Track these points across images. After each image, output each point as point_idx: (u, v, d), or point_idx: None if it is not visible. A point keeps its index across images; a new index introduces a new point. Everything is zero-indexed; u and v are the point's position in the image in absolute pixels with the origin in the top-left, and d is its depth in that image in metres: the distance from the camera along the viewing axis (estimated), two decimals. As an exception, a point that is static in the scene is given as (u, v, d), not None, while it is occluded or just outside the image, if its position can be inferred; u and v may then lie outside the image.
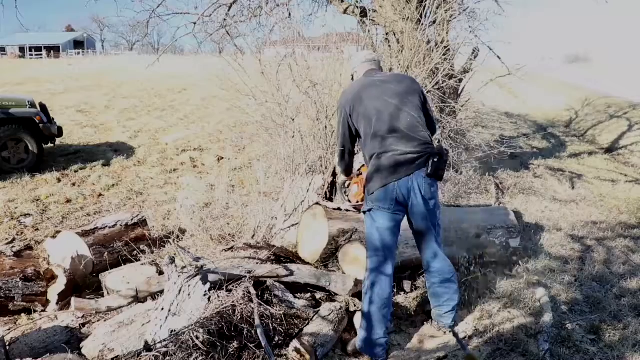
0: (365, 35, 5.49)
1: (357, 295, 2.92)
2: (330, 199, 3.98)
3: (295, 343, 2.33)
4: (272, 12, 5.64)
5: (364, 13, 6.00)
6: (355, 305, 2.84)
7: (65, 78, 16.38)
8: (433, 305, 2.70)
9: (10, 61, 30.87)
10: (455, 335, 2.66)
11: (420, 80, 4.54)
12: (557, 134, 11.14)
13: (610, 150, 9.46)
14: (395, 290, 3.13)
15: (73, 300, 2.54)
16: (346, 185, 3.07)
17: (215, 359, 2.09)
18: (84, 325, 2.80)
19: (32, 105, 6.69)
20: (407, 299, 3.09)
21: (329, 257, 3.13)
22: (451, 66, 5.17)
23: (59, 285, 3.15)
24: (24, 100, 6.70)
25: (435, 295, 2.65)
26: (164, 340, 2.14)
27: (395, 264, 3.18)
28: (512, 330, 2.67)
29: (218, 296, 2.38)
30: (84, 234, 3.55)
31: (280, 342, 2.37)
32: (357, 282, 2.87)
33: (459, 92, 5.82)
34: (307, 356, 2.29)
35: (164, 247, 3.86)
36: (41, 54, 40.94)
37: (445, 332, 2.71)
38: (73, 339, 2.53)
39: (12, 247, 3.35)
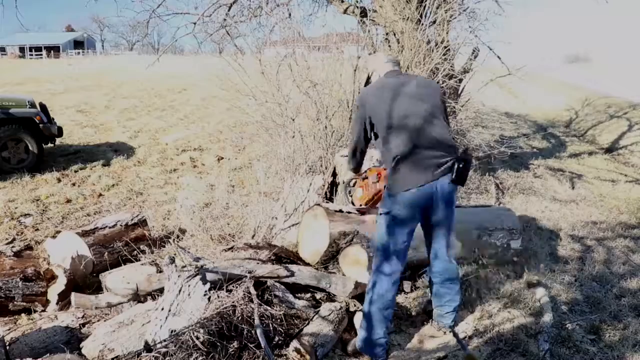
0: (365, 35, 5.49)
1: (357, 297, 2.92)
2: (330, 199, 3.98)
3: (295, 343, 2.33)
4: (272, 12, 5.64)
5: (364, 13, 6.00)
6: (355, 306, 2.84)
7: (65, 78, 16.39)
8: (434, 305, 2.70)
9: (10, 61, 30.88)
10: (455, 335, 2.66)
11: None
12: (557, 134, 11.14)
13: (610, 150, 9.46)
14: (395, 290, 3.13)
15: (73, 295, 2.54)
16: (351, 184, 2.97)
17: (215, 359, 2.09)
18: (84, 325, 2.80)
19: (32, 105, 6.68)
20: (407, 299, 3.09)
21: (330, 259, 3.13)
22: (451, 66, 5.17)
23: (59, 285, 3.15)
24: (24, 100, 6.70)
25: (438, 296, 2.64)
26: (164, 340, 2.14)
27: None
28: (512, 330, 2.67)
29: (218, 296, 2.38)
30: (84, 234, 3.55)
31: (280, 342, 2.37)
32: (358, 285, 2.87)
33: (459, 92, 5.82)
34: (307, 356, 2.29)
35: (164, 247, 3.86)
36: (41, 54, 40.95)
37: (445, 332, 2.71)
38: (73, 339, 2.53)
39: (12, 247, 3.35)
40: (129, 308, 2.74)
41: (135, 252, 3.60)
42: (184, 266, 2.45)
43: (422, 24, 4.81)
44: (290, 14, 5.35)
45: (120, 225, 3.81)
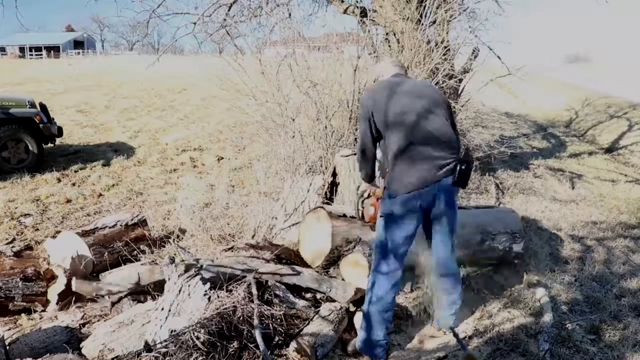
0: (365, 35, 5.49)
1: (357, 302, 2.91)
2: (330, 199, 3.98)
3: (295, 343, 2.33)
4: (272, 12, 5.64)
5: (364, 13, 6.00)
6: (355, 306, 2.84)
7: (65, 78, 16.38)
8: (435, 306, 2.70)
9: (10, 61, 30.87)
10: (455, 335, 2.66)
11: (420, 80, 4.53)
12: (557, 134, 11.14)
13: (610, 150, 9.46)
14: (395, 291, 3.13)
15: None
16: (365, 195, 2.88)
17: (215, 359, 2.09)
18: (84, 325, 2.80)
19: (32, 105, 6.68)
20: (407, 299, 3.09)
21: (331, 264, 3.13)
22: (451, 66, 5.17)
23: (59, 285, 3.15)
24: (24, 100, 6.69)
25: (439, 297, 2.64)
26: (164, 341, 2.14)
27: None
28: (512, 330, 2.67)
29: (218, 296, 2.38)
30: (84, 234, 3.55)
31: (280, 342, 2.37)
32: (358, 291, 2.86)
33: (459, 92, 5.82)
34: (307, 356, 2.29)
35: (164, 247, 3.86)
36: (41, 54, 40.95)
37: (445, 332, 2.71)
38: (73, 339, 2.53)
39: (12, 247, 3.35)
40: (129, 308, 2.74)
41: (135, 252, 3.60)
42: (184, 263, 2.44)
43: (422, 24, 4.81)
44: (290, 14, 5.35)
45: (120, 225, 3.81)
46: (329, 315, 2.59)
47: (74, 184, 6.06)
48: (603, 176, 7.08)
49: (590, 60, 37.83)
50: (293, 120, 4.58)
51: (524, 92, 17.00)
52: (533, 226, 4.56)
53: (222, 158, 7.35)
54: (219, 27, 6.02)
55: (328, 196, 3.99)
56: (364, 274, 2.92)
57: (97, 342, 2.37)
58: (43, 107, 6.89)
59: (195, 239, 3.87)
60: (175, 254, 3.21)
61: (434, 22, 4.99)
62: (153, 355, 2.06)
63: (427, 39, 4.85)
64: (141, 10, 6.43)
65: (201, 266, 2.45)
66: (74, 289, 2.51)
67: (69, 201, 5.42)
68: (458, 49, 5.44)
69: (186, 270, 2.37)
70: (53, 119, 7.03)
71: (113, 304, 2.85)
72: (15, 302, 3.01)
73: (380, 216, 2.44)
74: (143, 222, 3.97)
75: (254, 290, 2.46)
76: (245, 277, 2.59)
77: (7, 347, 2.38)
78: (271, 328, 2.38)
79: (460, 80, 5.68)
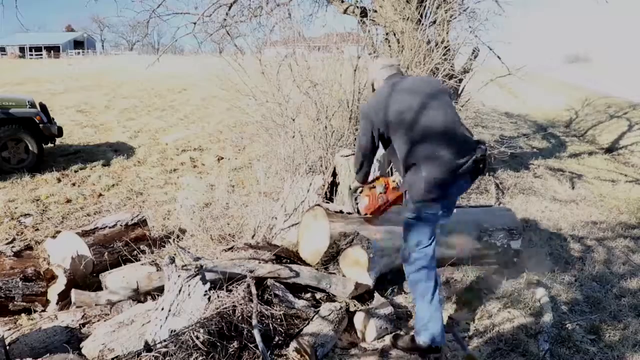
0: (365, 35, 5.49)
1: (357, 297, 2.92)
2: (330, 199, 3.98)
3: (295, 343, 2.33)
4: (272, 12, 5.64)
5: (364, 13, 6.00)
6: (355, 306, 2.84)
7: (65, 78, 16.38)
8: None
9: (10, 61, 30.87)
10: (455, 335, 2.66)
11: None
12: (557, 134, 11.14)
13: (610, 150, 9.46)
14: (395, 291, 3.14)
15: (73, 292, 2.53)
16: (358, 191, 2.94)
17: (215, 359, 2.09)
18: (84, 325, 2.79)
19: (32, 105, 6.68)
20: (407, 299, 3.09)
21: (330, 260, 3.13)
22: (451, 66, 5.17)
23: (59, 285, 3.15)
24: (24, 100, 6.69)
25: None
26: (164, 340, 2.14)
27: (396, 266, 3.20)
28: (512, 330, 2.67)
29: (218, 296, 2.38)
30: (84, 234, 3.55)
31: (280, 342, 2.37)
32: (357, 286, 2.87)
33: (459, 92, 5.82)
34: (307, 356, 2.29)
35: (164, 247, 3.86)
36: (41, 54, 40.98)
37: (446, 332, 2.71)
38: (73, 339, 2.52)
39: (12, 247, 3.35)
40: (129, 308, 2.74)
41: (135, 252, 3.60)
42: (184, 265, 2.44)
43: (422, 24, 4.81)
44: (290, 14, 5.35)
45: (120, 225, 3.80)
46: (329, 315, 2.59)
47: (74, 184, 6.06)
48: (603, 176, 7.08)
49: (590, 60, 37.85)
50: (293, 120, 4.58)
51: (524, 92, 17.01)
52: (533, 226, 4.56)
53: (222, 158, 7.35)
54: (219, 27, 6.02)
55: (328, 196, 3.99)
56: (364, 268, 2.93)
57: (97, 342, 2.37)
58: (43, 107, 6.89)
59: (195, 239, 3.87)
60: (175, 254, 3.21)
61: (434, 22, 4.99)
62: (153, 355, 2.06)
63: (427, 39, 4.85)
64: (141, 10, 6.45)
65: (201, 266, 2.45)
66: (73, 301, 2.52)
67: (69, 201, 5.42)
68: (458, 49, 5.45)
69: (186, 270, 2.37)
70: (53, 119, 7.03)
71: (113, 303, 2.85)
72: (15, 302, 3.01)
73: (408, 218, 2.46)
74: (143, 222, 3.97)
75: (254, 290, 2.46)
76: (245, 277, 2.59)
77: (7, 347, 2.38)
78: (271, 328, 2.38)
79: (460, 80, 5.68)
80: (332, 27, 10.25)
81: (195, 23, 6.03)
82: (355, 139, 4.38)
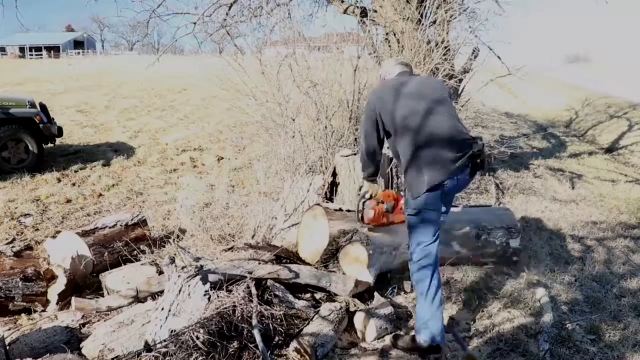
0: (365, 35, 5.49)
1: (357, 296, 2.92)
2: (331, 199, 3.98)
3: (295, 343, 2.33)
4: (272, 12, 5.64)
5: (364, 13, 6.00)
6: (355, 305, 2.84)
7: (65, 78, 16.38)
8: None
9: (10, 61, 30.86)
10: (455, 335, 2.67)
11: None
12: (557, 134, 11.14)
13: (610, 150, 9.46)
14: (395, 290, 3.14)
15: (73, 300, 2.54)
16: (366, 196, 2.88)
17: (215, 359, 2.09)
18: (84, 325, 2.80)
19: (32, 105, 6.68)
20: (407, 299, 3.09)
21: (330, 257, 3.13)
22: (451, 66, 5.17)
23: (59, 285, 3.15)
24: (24, 100, 6.69)
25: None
26: (164, 340, 2.14)
27: (395, 265, 3.20)
28: (512, 330, 2.68)
29: (218, 296, 2.38)
30: (84, 234, 3.55)
31: (280, 342, 2.37)
32: (358, 283, 2.87)
33: (459, 92, 5.82)
34: (307, 356, 2.29)
35: (164, 247, 3.86)
36: (41, 54, 40.99)
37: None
38: (73, 339, 2.52)
39: (12, 247, 3.35)
40: (129, 308, 2.74)
41: (135, 252, 3.60)
42: (184, 266, 2.45)
43: (422, 24, 4.81)
44: (290, 14, 5.35)
45: (120, 225, 3.80)
46: (329, 315, 2.59)
47: (74, 184, 6.06)
48: (603, 176, 7.08)
49: (590, 60, 37.88)
50: (293, 120, 4.58)
51: (524, 92, 17.01)
52: (533, 226, 4.56)
53: (222, 158, 7.35)
54: (219, 27, 6.02)
55: (328, 196, 3.99)
56: (364, 265, 2.93)
57: (97, 342, 2.37)
58: (43, 107, 6.89)
59: (195, 239, 3.87)
60: (175, 254, 3.21)
61: (434, 22, 4.99)
62: (153, 355, 2.06)
63: (427, 39, 4.85)
64: (141, 10, 6.45)
65: (201, 266, 2.45)
66: (73, 308, 2.52)
67: (69, 201, 5.42)
68: (458, 49, 5.45)
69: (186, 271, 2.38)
70: (53, 119, 7.04)
71: (113, 309, 2.85)
72: (15, 302, 3.01)
73: (409, 215, 2.46)
74: (143, 222, 3.97)
75: (253, 290, 2.46)
76: (244, 277, 2.59)
77: (7, 347, 2.38)
78: (271, 328, 2.38)
79: (460, 80, 5.68)
80: (332, 27, 10.27)
81: (195, 23, 6.03)
82: (355, 139, 4.38)
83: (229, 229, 3.93)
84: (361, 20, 5.84)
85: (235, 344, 2.19)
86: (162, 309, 2.33)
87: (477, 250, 3.47)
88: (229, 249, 3.28)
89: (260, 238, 3.66)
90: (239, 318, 2.29)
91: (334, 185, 4.03)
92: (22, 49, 44.78)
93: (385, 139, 2.58)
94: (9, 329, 2.77)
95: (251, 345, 2.20)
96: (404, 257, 3.10)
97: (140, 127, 9.45)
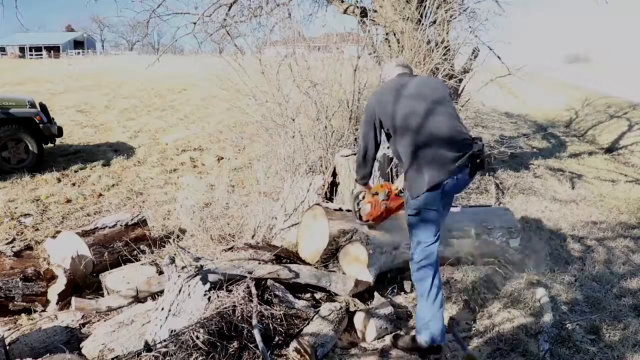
0: (365, 35, 5.49)
1: (357, 296, 2.92)
2: (330, 199, 3.98)
3: (295, 343, 2.33)
4: (272, 12, 5.65)
5: (364, 13, 6.00)
6: (355, 305, 2.84)
7: (65, 78, 16.38)
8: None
9: (10, 61, 30.86)
10: (455, 335, 2.66)
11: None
12: (557, 134, 11.14)
13: (610, 150, 9.47)
14: (395, 290, 3.14)
15: (73, 300, 2.54)
16: (360, 197, 2.90)
17: (215, 359, 2.09)
18: (84, 325, 2.80)
19: (32, 105, 6.68)
20: (407, 299, 3.09)
21: (330, 257, 3.13)
22: (451, 66, 5.18)
23: (59, 285, 3.15)
24: (24, 100, 6.70)
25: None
26: (164, 340, 2.14)
27: (395, 265, 3.20)
28: (512, 330, 2.67)
29: (218, 296, 2.38)
30: (84, 234, 3.55)
31: (280, 342, 2.37)
32: (358, 283, 2.87)
33: (459, 92, 5.82)
34: (307, 356, 2.29)
35: (164, 247, 3.86)
36: (41, 54, 40.98)
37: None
38: (73, 339, 2.52)
39: (12, 247, 3.35)
40: (129, 308, 2.74)
41: (135, 252, 3.60)
42: (184, 266, 2.45)
43: (422, 24, 4.81)
44: (290, 14, 5.35)
45: (120, 225, 3.80)
46: (329, 315, 2.59)
47: (74, 184, 6.06)
48: (603, 176, 7.09)
49: (590, 60, 37.87)
50: (293, 120, 4.58)
51: (524, 92, 17.01)
52: (533, 226, 4.56)
53: (222, 158, 7.35)
54: (219, 27, 6.03)
55: (328, 196, 3.99)
56: (364, 265, 2.93)
57: (97, 342, 2.37)
58: (43, 107, 6.89)
59: (195, 239, 3.87)
60: (175, 254, 3.21)
61: (434, 22, 4.99)
62: (153, 355, 2.06)
63: (427, 39, 4.86)
64: (141, 10, 6.45)
65: (201, 266, 2.45)
66: (73, 308, 2.52)
67: (69, 201, 5.42)
68: (458, 49, 5.45)
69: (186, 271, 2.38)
70: (53, 119, 7.04)
71: (113, 309, 2.84)
72: (15, 302, 3.01)
73: (409, 215, 2.46)
74: (143, 222, 3.97)
75: (254, 290, 2.46)
76: (244, 277, 2.58)
77: (7, 347, 2.38)
78: (271, 328, 2.38)
79: (460, 80, 5.68)
80: (332, 27, 10.28)
81: (195, 23, 6.04)
82: (355, 139, 4.38)
83: (229, 229, 3.93)
84: (361, 20, 5.84)
85: (235, 344, 2.19)
86: (162, 309, 2.33)
87: (477, 250, 3.47)
88: (229, 249, 3.28)
89: (260, 238, 3.66)
90: (239, 318, 2.29)
91: (334, 185, 4.03)
92: (22, 49, 44.78)
93: (382, 142, 2.59)
94: (9, 329, 2.77)
95: (251, 345, 2.20)
96: (404, 257, 3.10)
97: (140, 127, 9.45)
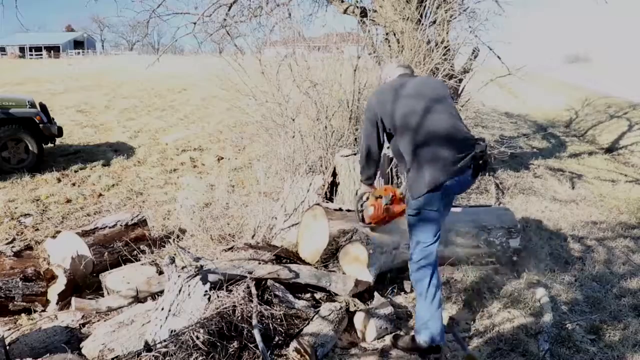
0: (365, 35, 5.49)
1: (358, 296, 2.92)
2: (331, 199, 3.98)
3: (295, 343, 2.33)
4: (272, 12, 5.65)
5: (364, 13, 6.00)
6: (355, 305, 2.84)
7: (65, 78, 16.38)
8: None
9: (10, 61, 30.86)
10: (455, 335, 2.66)
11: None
12: (557, 134, 11.14)
13: (610, 150, 9.47)
14: (395, 290, 3.14)
15: (73, 300, 2.54)
16: (364, 198, 2.88)
17: (215, 359, 2.09)
18: (84, 325, 2.80)
19: (32, 105, 6.68)
20: (407, 299, 3.09)
21: (330, 257, 3.13)
22: (451, 66, 5.17)
23: (59, 285, 3.15)
24: (24, 100, 6.70)
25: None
26: (164, 340, 2.14)
27: (395, 264, 3.20)
28: (512, 330, 2.67)
29: (218, 296, 2.38)
30: (84, 234, 3.55)
31: (280, 342, 2.37)
32: (358, 283, 2.87)
33: (459, 92, 5.82)
34: (307, 356, 2.29)
35: (164, 247, 3.86)
36: (41, 54, 41.00)
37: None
38: (73, 339, 2.52)
39: (12, 247, 3.35)
40: (129, 308, 2.74)
41: (135, 252, 3.60)
42: (184, 266, 2.45)
43: (422, 24, 4.81)
44: (290, 14, 5.35)
45: (120, 225, 3.80)
46: (329, 315, 2.59)
47: (74, 184, 6.06)
48: (603, 176, 7.09)
49: (590, 60, 37.89)
50: (293, 120, 4.58)
51: (524, 92, 17.01)
52: (533, 226, 4.56)
53: (222, 158, 7.35)
54: (219, 27, 6.03)
55: (328, 196, 3.99)
56: (364, 264, 2.93)
57: (97, 342, 2.37)
58: (43, 107, 6.89)
59: (195, 239, 3.87)
60: (175, 254, 3.21)
61: (434, 22, 4.99)
62: (153, 355, 2.06)
63: (427, 39, 4.85)
64: (141, 10, 6.45)
65: (201, 266, 2.45)
66: (73, 308, 2.52)
67: (69, 201, 5.42)
68: (458, 49, 5.45)
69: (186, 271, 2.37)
70: (53, 119, 7.04)
71: (113, 310, 2.84)
72: (15, 302, 3.01)
73: (409, 215, 2.46)
74: (143, 222, 3.97)
75: (253, 290, 2.46)
76: (244, 277, 2.58)
77: (7, 347, 2.38)
78: (271, 328, 2.38)
79: (460, 80, 5.68)
80: (332, 27, 10.27)
81: (195, 23, 6.04)
82: (355, 139, 4.38)
83: (229, 229, 3.93)
84: (361, 20, 5.84)
85: (235, 344, 2.19)
86: (162, 309, 2.33)
87: (477, 250, 3.47)
88: (229, 249, 3.28)
89: (260, 238, 3.66)
90: (239, 318, 2.29)
91: (334, 185, 4.03)
92: (22, 49, 44.79)
93: (385, 141, 2.59)
94: (9, 329, 2.77)
95: (251, 345, 2.20)
96: (404, 257, 3.10)
97: (140, 127, 9.45)
